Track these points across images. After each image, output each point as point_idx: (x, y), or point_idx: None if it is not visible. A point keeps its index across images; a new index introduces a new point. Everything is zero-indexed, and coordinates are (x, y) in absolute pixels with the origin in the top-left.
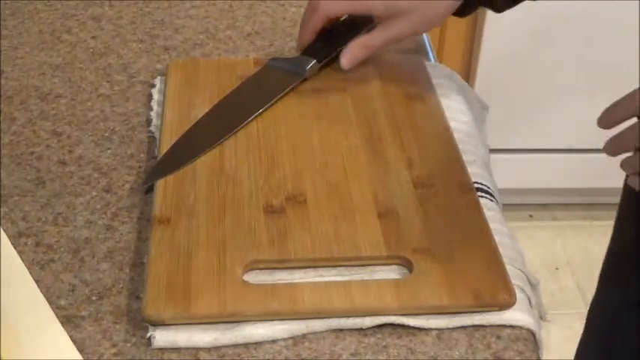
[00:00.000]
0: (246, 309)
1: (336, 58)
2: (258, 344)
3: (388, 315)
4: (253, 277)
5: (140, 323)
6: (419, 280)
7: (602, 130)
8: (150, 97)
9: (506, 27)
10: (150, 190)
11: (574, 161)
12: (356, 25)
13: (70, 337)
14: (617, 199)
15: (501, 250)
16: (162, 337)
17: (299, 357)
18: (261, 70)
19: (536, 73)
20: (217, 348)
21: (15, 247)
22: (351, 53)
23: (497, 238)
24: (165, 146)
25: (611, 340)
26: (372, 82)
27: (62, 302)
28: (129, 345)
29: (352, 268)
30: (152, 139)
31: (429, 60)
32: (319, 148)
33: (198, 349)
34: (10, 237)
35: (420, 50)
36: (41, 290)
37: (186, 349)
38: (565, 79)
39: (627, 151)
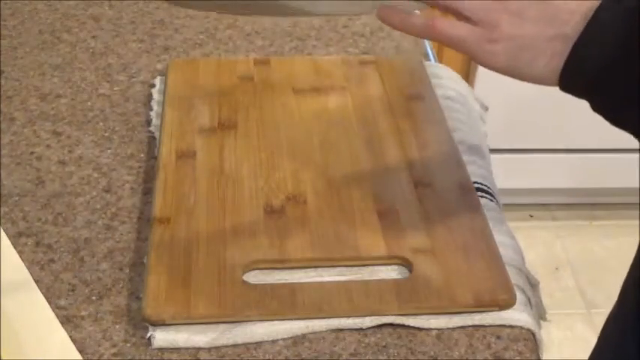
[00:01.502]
0: (246, 309)
1: None
2: (258, 344)
3: (388, 315)
4: (253, 277)
5: (140, 323)
6: (419, 280)
7: (602, 130)
8: (150, 97)
9: None
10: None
11: (574, 161)
12: None
13: (70, 337)
14: (617, 199)
15: (501, 250)
16: (162, 337)
17: (299, 357)
18: None
19: None
20: (217, 348)
21: (15, 247)
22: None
23: (497, 238)
24: (165, 146)
25: (624, 349)
26: (372, 82)
27: (62, 302)
28: (129, 345)
29: (352, 268)
30: (152, 139)
31: (429, 60)
32: (319, 148)
33: (198, 349)
34: (10, 237)
35: (420, 50)
36: (41, 290)
37: (186, 349)
38: None
39: None
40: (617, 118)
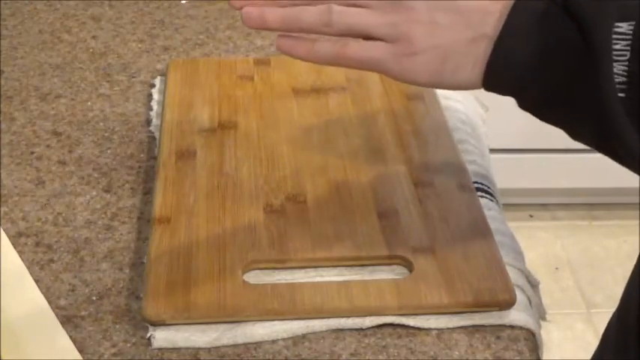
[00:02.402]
0: (246, 309)
1: None
2: (258, 344)
3: (388, 315)
4: (253, 277)
5: (140, 323)
6: (419, 280)
7: None
8: (150, 97)
9: None
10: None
11: (574, 161)
12: None
13: (70, 337)
14: (617, 199)
15: (501, 250)
16: (162, 337)
17: (299, 357)
18: None
19: None
20: (217, 348)
21: (15, 247)
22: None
23: (497, 238)
24: (165, 146)
25: (626, 352)
26: (372, 82)
27: (62, 302)
28: (129, 345)
29: (352, 268)
30: (152, 139)
31: None
32: (319, 148)
33: (198, 349)
34: (10, 237)
35: None
36: (41, 290)
37: (186, 349)
38: None
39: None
40: (544, 115)
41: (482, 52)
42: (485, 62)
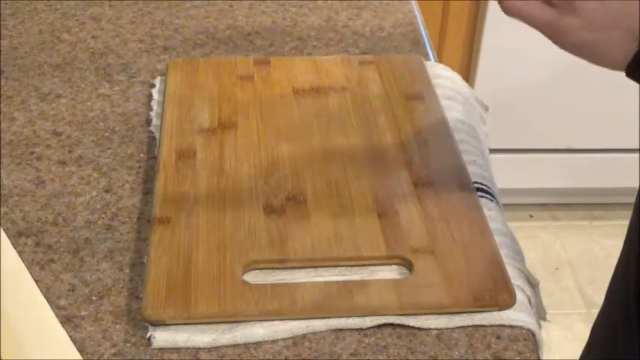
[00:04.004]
0: (246, 309)
1: None
2: (258, 344)
3: (388, 315)
4: (253, 277)
5: (140, 323)
6: (419, 280)
7: (602, 130)
8: (150, 97)
9: (506, 27)
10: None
11: (574, 161)
12: None
13: (70, 337)
14: (617, 199)
15: (501, 250)
16: (162, 337)
17: (299, 357)
18: None
19: (536, 73)
20: (217, 348)
21: (15, 247)
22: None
23: (497, 238)
24: (165, 146)
25: (613, 353)
26: (372, 82)
27: (62, 302)
28: (129, 345)
29: (352, 268)
30: (152, 139)
31: (429, 60)
32: (319, 148)
33: (198, 349)
34: (10, 237)
35: (420, 50)
36: (41, 290)
37: (186, 349)
38: (565, 79)
39: None
40: None
41: (628, 49)
42: (630, 57)
